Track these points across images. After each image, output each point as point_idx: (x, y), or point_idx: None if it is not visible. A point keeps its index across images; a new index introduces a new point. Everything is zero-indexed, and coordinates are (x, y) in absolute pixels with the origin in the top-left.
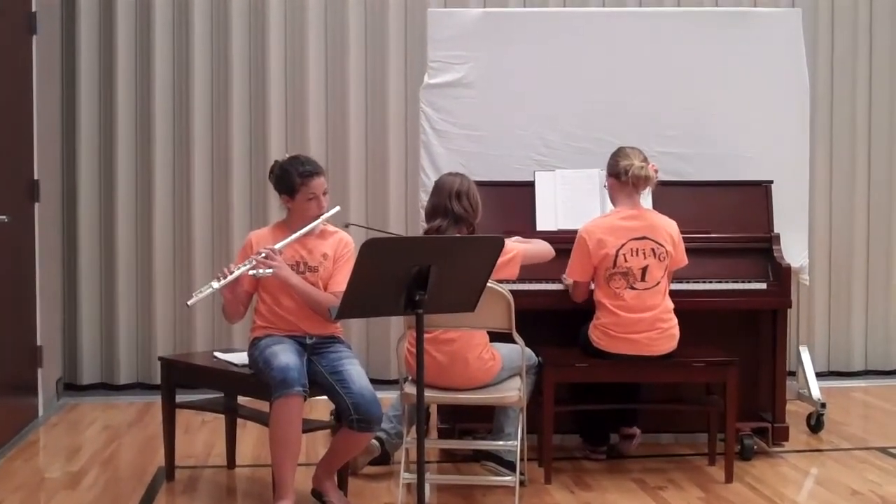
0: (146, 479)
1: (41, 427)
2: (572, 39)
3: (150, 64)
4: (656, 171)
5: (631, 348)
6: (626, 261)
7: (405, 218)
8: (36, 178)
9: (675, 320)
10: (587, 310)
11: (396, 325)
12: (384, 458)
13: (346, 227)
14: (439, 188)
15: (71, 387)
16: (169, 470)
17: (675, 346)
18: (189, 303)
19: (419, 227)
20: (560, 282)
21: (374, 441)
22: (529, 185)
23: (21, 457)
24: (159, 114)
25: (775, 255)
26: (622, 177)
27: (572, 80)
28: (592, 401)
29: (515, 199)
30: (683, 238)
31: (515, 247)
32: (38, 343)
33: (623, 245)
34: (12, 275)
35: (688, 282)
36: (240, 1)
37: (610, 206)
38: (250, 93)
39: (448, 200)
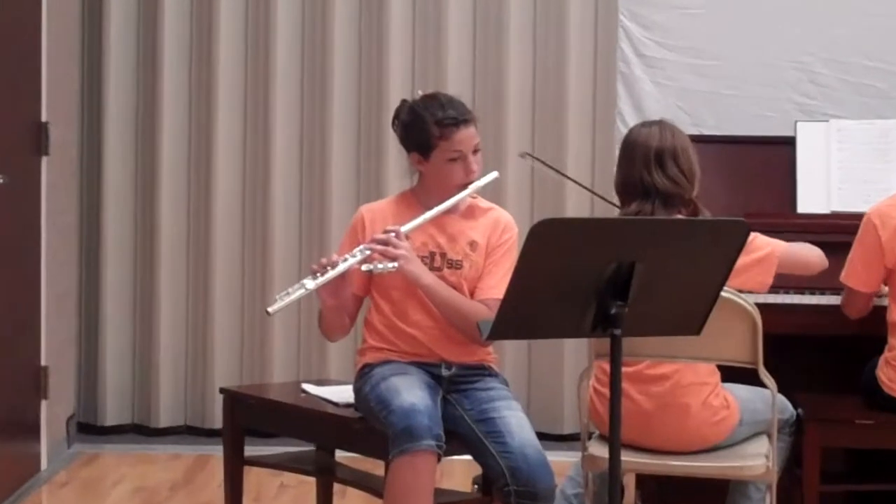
0: None
1: (43, 486)
2: None
3: None
4: None
5: None
6: None
7: (590, 189)
8: (44, 119)
9: None
10: (875, 337)
11: (575, 353)
12: None
13: (521, 155)
14: (630, 150)
15: (88, 428)
16: None
17: None
18: (270, 310)
19: (612, 203)
20: (832, 292)
21: None
22: (787, 143)
23: None
24: (224, 35)
25: None
26: None
27: None
28: (878, 476)
29: (764, 165)
30: None
31: (769, 242)
32: (43, 363)
33: None
34: (8, 263)
35: None
36: None
37: None
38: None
39: (645, 170)
